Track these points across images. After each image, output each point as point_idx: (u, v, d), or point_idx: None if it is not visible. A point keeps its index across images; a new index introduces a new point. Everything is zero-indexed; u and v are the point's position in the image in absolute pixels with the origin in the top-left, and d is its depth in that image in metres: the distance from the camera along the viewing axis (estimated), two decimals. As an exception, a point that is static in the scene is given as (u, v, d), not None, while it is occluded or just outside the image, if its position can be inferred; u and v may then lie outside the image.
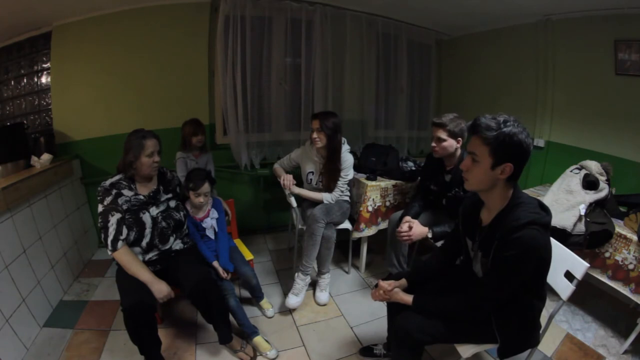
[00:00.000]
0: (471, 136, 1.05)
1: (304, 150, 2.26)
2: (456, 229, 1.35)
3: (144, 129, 1.56)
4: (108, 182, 1.49)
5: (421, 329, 1.17)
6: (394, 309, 1.43)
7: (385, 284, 1.34)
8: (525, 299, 1.14)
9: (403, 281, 1.37)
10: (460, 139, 1.82)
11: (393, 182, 2.36)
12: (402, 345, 1.23)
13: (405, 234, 1.79)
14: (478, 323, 1.17)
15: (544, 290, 1.18)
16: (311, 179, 2.22)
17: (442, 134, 1.80)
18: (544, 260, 1.08)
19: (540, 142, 2.64)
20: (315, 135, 2.04)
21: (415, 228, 1.80)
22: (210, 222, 1.85)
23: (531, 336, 1.22)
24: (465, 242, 1.29)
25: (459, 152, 1.85)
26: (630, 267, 1.61)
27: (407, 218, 1.87)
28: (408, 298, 1.26)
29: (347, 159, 2.13)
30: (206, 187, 1.76)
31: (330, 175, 2.12)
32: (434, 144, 1.85)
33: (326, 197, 2.12)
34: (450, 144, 1.81)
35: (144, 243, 1.53)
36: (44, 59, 2.36)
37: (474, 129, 1.02)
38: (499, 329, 1.16)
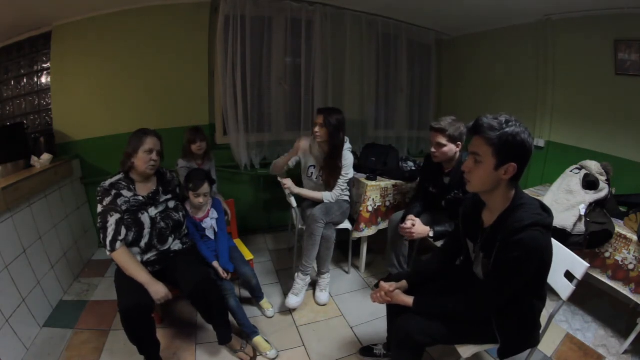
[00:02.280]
0: (472, 137, 1.04)
1: (307, 142, 2.23)
2: (456, 229, 1.35)
3: (148, 128, 1.57)
4: (107, 183, 1.49)
5: (422, 331, 1.17)
6: (394, 311, 1.43)
7: (386, 285, 1.33)
8: (525, 299, 1.14)
9: (403, 283, 1.37)
10: (459, 143, 1.81)
11: (393, 182, 2.36)
12: (402, 346, 1.23)
13: (408, 230, 1.80)
14: (478, 324, 1.17)
15: (544, 291, 1.18)
16: (312, 173, 2.21)
17: (442, 139, 1.78)
18: (546, 261, 1.08)
19: (540, 142, 2.64)
20: (317, 129, 2.04)
21: (418, 226, 1.81)
22: (210, 222, 1.85)
23: (531, 336, 1.22)
24: (466, 244, 1.29)
25: (457, 155, 1.84)
26: (630, 267, 1.61)
27: (411, 216, 1.87)
28: (409, 299, 1.25)
29: (348, 157, 2.13)
30: (206, 187, 1.76)
31: (330, 172, 2.12)
32: (433, 150, 1.83)
33: (326, 196, 2.12)
34: (451, 148, 1.79)
35: (142, 243, 1.53)
36: (44, 59, 2.36)
37: (476, 130, 1.01)
38: (499, 329, 1.16)
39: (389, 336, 1.61)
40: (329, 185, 2.14)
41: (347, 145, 2.16)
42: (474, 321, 1.17)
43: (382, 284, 1.35)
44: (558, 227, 1.67)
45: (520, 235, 0.98)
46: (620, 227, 1.70)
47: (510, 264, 1.01)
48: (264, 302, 1.99)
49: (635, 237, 1.60)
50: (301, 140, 2.24)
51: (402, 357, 1.24)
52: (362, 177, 2.40)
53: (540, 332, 1.26)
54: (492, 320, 1.16)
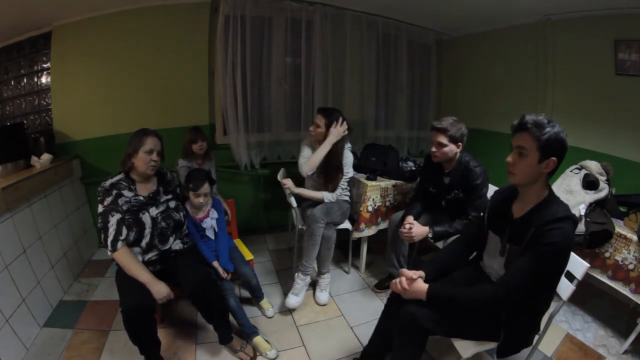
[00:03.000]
0: (517, 133, 1.13)
1: (310, 141, 2.23)
2: (480, 222, 1.39)
3: (148, 128, 1.57)
4: (108, 183, 1.49)
5: (429, 317, 1.18)
6: (394, 305, 1.43)
7: (410, 272, 1.29)
8: (537, 298, 1.16)
9: (421, 272, 1.33)
10: (460, 143, 1.80)
11: (393, 182, 2.36)
12: (405, 332, 1.21)
13: (407, 234, 1.80)
14: (486, 318, 1.18)
15: (553, 292, 1.20)
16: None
17: (443, 139, 1.77)
18: (568, 258, 1.12)
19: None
20: (311, 129, 2.07)
21: (416, 228, 1.81)
22: (210, 222, 1.85)
23: (530, 336, 1.24)
24: (485, 237, 1.33)
25: (458, 155, 1.84)
26: (630, 267, 1.61)
27: (410, 219, 1.87)
28: (424, 287, 1.22)
29: (348, 156, 2.13)
30: (206, 187, 1.76)
31: (330, 173, 2.11)
32: (434, 149, 1.82)
33: (327, 195, 2.12)
34: (451, 149, 1.79)
35: (143, 243, 1.53)
36: (44, 59, 2.36)
37: (522, 126, 1.11)
38: (506, 326, 1.17)
39: (372, 342, 1.53)
40: (329, 187, 2.13)
41: (347, 145, 2.16)
42: (482, 314, 1.17)
43: (405, 271, 1.30)
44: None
45: (557, 224, 1.04)
46: (620, 227, 1.70)
47: (543, 251, 1.04)
48: (264, 302, 1.99)
49: (635, 237, 1.60)
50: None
51: (404, 346, 1.24)
52: (362, 177, 2.40)
53: (540, 332, 1.26)
54: (502, 315, 1.17)
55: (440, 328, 1.20)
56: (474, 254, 1.46)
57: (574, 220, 1.08)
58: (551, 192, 1.16)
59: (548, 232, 1.04)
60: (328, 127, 2.03)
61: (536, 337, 1.28)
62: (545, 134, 1.07)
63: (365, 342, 1.75)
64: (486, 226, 1.34)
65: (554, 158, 1.09)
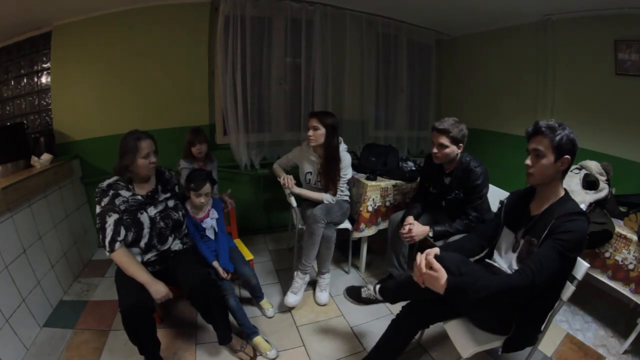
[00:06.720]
0: (532, 137, 1.23)
1: (301, 151, 2.26)
2: (497, 219, 1.45)
3: (138, 130, 1.53)
4: (105, 184, 1.48)
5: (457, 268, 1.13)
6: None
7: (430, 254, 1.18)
8: (547, 295, 1.18)
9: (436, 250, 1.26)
10: (461, 144, 1.80)
11: (393, 182, 2.36)
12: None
13: (407, 235, 1.80)
14: (503, 310, 1.21)
15: (561, 290, 1.21)
16: (310, 179, 2.22)
17: (445, 141, 1.76)
18: (580, 253, 1.15)
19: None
20: (310, 133, 2.04)
21: (416, 228, 1.81)
22: (210, 223, 1.85)
23: (535, 334, 1.25)
24: (499, 234, 1.40)
25: (458, 156, 1.84)
26: (630, 267, 1.61)
27: (410, 219, 1.87)
28: (443, 276, 1.10)
29: (345, 157, 2.13)
30: (207, 187, 1.76)
31: (328, 175, 2.11)
32: (435, 151, 1.81)
33: (326, 197, 2.12)
34: (452, 150, 1.79)
35: (142, 243, 1.53)
36: (44, 59, 2.36)
37: (537, 131, 1.21)
38: (517, 321, 1.19)
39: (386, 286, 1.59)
40: (329, 190, 2.13)
41: (343, 146, 2.15)
42: (515, 302, 1.16)
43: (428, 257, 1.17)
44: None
45: (576, 217, 1.12)
46: (620, 227, 1.70)
47: (563, 238, 1.09)
48: (264, 302, 1.99)
49: (635, 237, 1.60)
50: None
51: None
52: (362, 177, 2.40)
53: (541, 332, 1.26)
54: (514, 308, 1.20)
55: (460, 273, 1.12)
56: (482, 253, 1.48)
57: (588, 218, 1.15)
58: (567, 192, 1.24)
59: (567, 223, 1.11)
60: (327, 127, 2.03)
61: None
62: (557, 135, 1.16)
63: (365, 341, 1.76)
64: (502, 222, 1.40)
65: (567, 156, 1.17)
